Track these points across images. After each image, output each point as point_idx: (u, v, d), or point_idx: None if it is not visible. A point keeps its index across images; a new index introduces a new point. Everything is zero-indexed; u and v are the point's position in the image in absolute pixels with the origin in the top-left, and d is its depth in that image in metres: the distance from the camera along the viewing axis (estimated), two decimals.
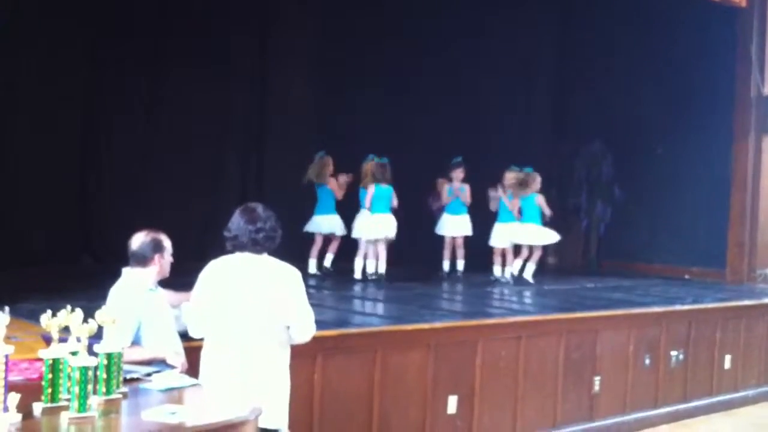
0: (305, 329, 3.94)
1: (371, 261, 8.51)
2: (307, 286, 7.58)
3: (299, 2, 10.15)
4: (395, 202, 8.54)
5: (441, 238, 9.41)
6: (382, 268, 8.46)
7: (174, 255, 4.24)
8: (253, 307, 3.81)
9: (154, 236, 4.17)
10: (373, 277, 8.45)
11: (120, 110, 9.12)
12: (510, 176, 8.97)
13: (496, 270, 9.19)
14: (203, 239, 8.26)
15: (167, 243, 4.21)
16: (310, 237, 8.86)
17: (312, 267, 8.67)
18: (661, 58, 10.77)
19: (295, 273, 3.93)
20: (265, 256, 3.94)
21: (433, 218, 9.60)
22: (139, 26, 8.95)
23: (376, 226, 8.44)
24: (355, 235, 8.65)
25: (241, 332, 3.81)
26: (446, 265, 9.35)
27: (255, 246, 3.88)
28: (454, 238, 9.31)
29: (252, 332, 3.81)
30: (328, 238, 8.87)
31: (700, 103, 10.44)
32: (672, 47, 10.65)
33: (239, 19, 9.68)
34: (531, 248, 9.10)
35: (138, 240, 4.15)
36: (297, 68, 10.20)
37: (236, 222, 3.92)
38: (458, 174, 9.21)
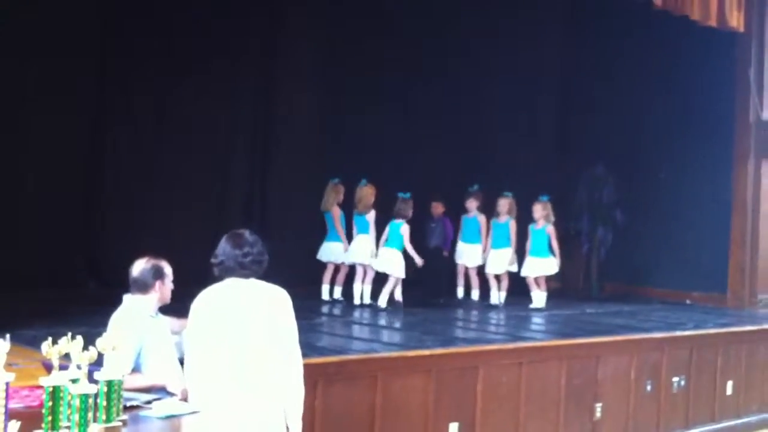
0: (292, 357, 3.87)
1: (368, 286, 8.55)
2: (318, 313, 7.74)
3: (303, 14, 10.17)
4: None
5: (440, 263, 9.43)
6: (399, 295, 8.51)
7: (178, 279, 4.25)
8: (245, 333, 3.78)
9: (155, 263, 4.19)
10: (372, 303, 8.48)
11: (124, 132, 9.11)
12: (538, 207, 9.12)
13: (493, 295, 9.22)
14: (207, 262, 8.24)
15: (168, 269, 4.24)
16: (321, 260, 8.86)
17: (324, 293, 8.68)
18: (662, 83, 10.82)
19: (283, 294, 3.90)
20: (252, 280, 3.92)
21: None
22: (142, 43, 8.95)
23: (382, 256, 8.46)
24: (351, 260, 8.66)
25: (235, 358, 3.77)
26: (460, 292, 9.40)
27: (242, 270, 3.88)
28: (467, 267, 9.37)
29: (247, 357, 3.77)
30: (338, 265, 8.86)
31: (700, 127, 10.47)
32: (672, 71, 10.70)
33: (242, 32, 9.67)
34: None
35: (138, 266, 4.17)
36: (302, 82, 10.19)
37: (222, 247, 3.93)
38: (471, 204, 9.26)
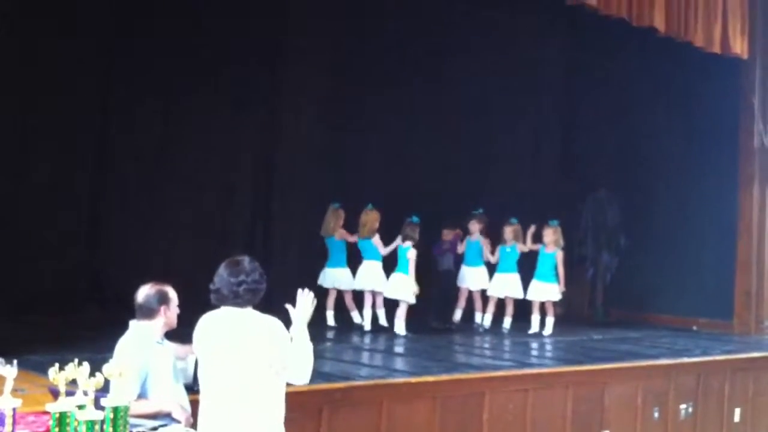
0: (301, 366, 3.80)
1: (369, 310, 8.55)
2: (324, 339, 7.70)
3: (309, 46, 10.21)
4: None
5: (451, 288, 9.41)
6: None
7: (181, 305, 4.24)
8: (237, 364, 3.73)
9: (160, 288, 4.18)
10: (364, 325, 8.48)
11: (130, 157, 9.14)
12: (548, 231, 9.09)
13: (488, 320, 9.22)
14: (209, 287, 8.24)
15: (172, 294, 4.22)
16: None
17: (330, 319, 8.62)
18: (666, 108, 10.87)
19: (276, 324, 3.82)
20: (248, 310, 3.85)
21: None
22: (145, 70, 9.01)
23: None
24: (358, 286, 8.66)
25: (228, 390, 3.73)
26: (458, 314, 9.35)
27: (236, 299, 3.81)
28: (470, 291, 9.33)
29: (238, 390, 3.72)
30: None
31: (704, 151, 10.50)
32: (676, 97, 10.75)
33: (245, 60, 9.70)
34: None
35: (143, 292, 4.16)
36: (304, 106, 10.21)
37: (220, 274, 3.87)
38: (474, 226, 9.24)
